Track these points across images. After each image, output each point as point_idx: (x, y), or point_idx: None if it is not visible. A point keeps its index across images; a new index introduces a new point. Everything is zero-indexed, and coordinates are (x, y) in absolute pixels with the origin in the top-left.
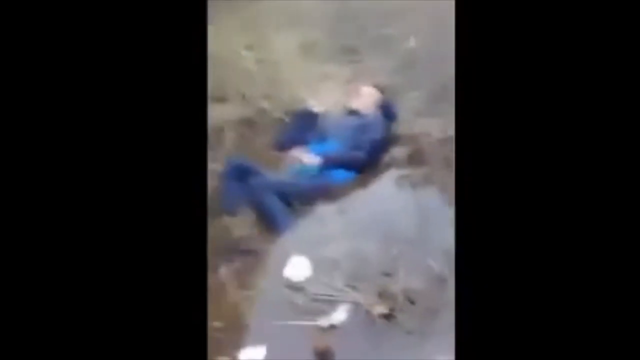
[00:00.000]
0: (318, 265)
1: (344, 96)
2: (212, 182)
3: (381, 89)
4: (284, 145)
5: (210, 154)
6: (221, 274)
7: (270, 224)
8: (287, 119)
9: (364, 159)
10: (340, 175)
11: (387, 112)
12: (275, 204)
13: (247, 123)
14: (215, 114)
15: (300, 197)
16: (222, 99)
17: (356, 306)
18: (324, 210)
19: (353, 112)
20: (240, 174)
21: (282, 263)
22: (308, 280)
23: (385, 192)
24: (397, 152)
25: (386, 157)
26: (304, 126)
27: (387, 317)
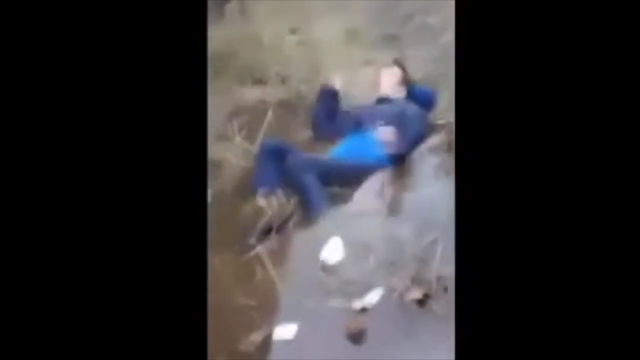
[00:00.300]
0: (353, 248)
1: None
2: (248, 163)
3: (401, 65)
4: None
5: (246, 134)
6: (256, 254)
7: (306, 204)
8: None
9: (404, 149)
10: (380, 159)
11: (421, 97)
12: (312, 184)
13: (286, 106)
14: (255, 95)
15: (338, 179)
16: (262, 81)
17: (390, 290)
18: (361, 193)
19: (383, 100)
20: (276, 154)
21: (317, 244)
22: (342, 262)
23: (422, 179)
24: (435, 140)
25: (424, 145)
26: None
27: (421, 302)
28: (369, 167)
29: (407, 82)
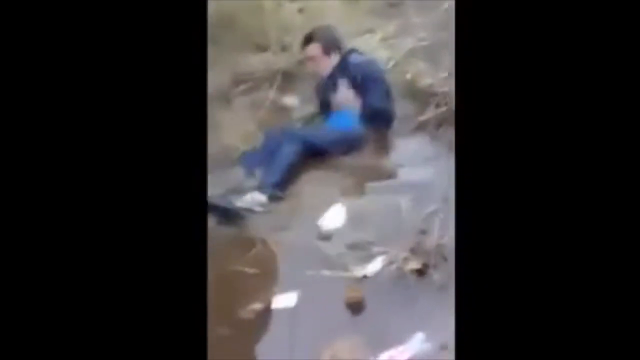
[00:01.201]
0: (353, 218)
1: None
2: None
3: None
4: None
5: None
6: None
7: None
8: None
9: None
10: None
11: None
12: (286, 156)
13: (286, 73)
14: (256, 62)
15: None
16: (263, 48)
17: (389, 260)
18: (359, 163)
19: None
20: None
21: (317, 212)
22: (342, 230)
23: (422, 151)
24: (434, 111)
25: (423, 116)
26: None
27: (420, 272)
28: (353, 137)
29: (335, 48)
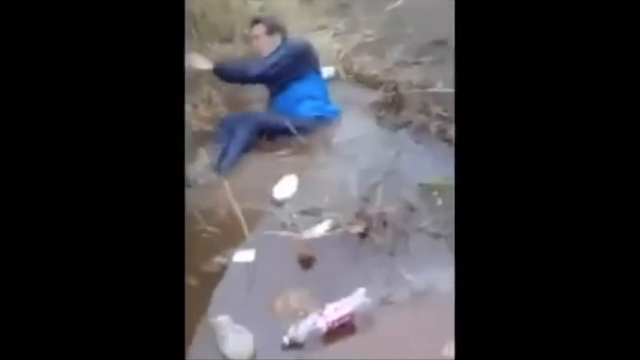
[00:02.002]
0: (305, 186)
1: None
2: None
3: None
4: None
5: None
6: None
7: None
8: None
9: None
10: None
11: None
12: (239, 137)
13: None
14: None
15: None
16: (229, 40)
17: (336, 224)
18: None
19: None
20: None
21: (274, 181)
22: (295, 198)
23: (369, 130)
24: (380, 96)
25: (370, 99)
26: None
27: (363, 236)
28: (318, 120)
29: (278, 30)
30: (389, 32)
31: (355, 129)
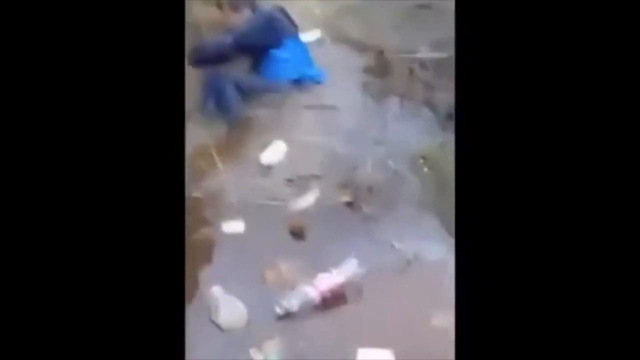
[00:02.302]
0: (292, 154)
1: None
2: None
3: None
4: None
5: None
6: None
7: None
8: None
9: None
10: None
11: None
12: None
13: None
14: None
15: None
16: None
17: (323, 193)
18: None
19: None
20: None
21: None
22: (282, 165)
23: (355, 96)
24: (365, 61)
25: (355, 65)
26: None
27: (350, 204)
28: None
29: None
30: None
31: (341, 94)
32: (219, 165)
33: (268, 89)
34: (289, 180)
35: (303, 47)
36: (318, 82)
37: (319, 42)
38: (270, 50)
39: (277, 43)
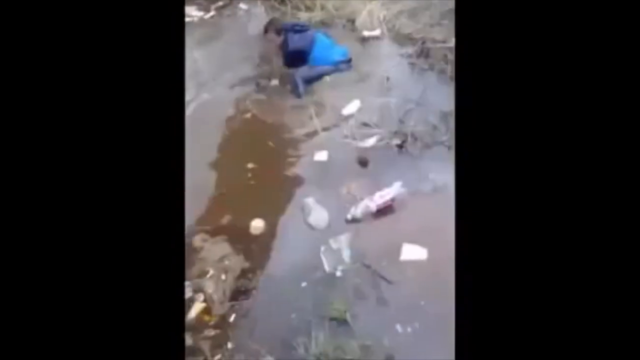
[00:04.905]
0: (363, 109)
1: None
2: None
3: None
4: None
5: None
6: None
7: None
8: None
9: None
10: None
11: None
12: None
13: None
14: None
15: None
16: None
17: (381, 137)
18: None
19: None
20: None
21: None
22: (356, 116)
23: (402, 73)
24: (411, 49)
25: (405, 51)
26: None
27: (400, 146)
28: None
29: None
30: (419, 3)
31: (395, 70)
32: (314, 117)
33: (323, 74)
34: (364, 124)
35: (324, 39)
36: (348, 61)
37: (379, 36)
38: (308, 52)
39: (310, 45)
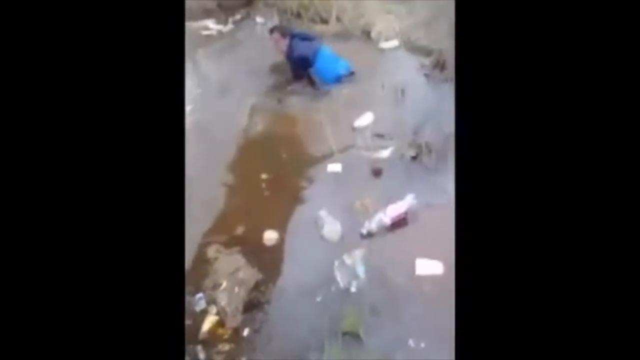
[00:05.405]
0: (376, 121)
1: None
2: None
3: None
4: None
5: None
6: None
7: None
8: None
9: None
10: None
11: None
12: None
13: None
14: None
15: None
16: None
17: (396, 149)
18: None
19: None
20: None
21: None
22: (370, 128)
23: (420, 83)
24: (426, 61)
25: (420, 62)
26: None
27: (414, 158)
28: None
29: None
30: (438, 13)
31: (410, 81)
32: (327, 129)
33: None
34: (378, 135)
35: (328, 52)
36: (351, 73)
37: (396, 48)
38: (312, 61)
39: (314, 55)
